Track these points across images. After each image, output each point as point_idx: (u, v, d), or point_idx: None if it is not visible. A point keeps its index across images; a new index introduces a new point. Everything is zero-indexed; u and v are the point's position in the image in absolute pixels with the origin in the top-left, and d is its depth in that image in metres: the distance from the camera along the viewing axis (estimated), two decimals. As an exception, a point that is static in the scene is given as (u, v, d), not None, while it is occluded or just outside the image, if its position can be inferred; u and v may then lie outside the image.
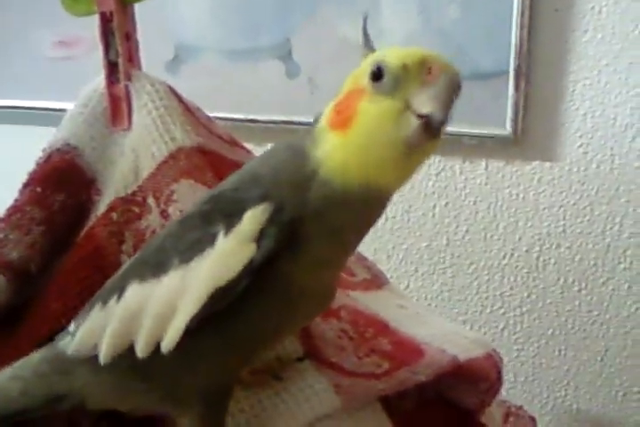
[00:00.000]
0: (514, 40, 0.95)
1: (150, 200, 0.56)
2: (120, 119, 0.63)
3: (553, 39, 0.95)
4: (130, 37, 0.65)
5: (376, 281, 0.67)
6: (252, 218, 0.40)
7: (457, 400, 0.60)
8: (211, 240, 0.40)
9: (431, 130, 0.38)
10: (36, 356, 0.49)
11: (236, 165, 0.52)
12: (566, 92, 0.96)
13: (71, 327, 0.47)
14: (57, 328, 0.50)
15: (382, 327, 0.59)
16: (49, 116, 1.06)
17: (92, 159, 0.61)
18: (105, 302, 0.45)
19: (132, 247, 0.55)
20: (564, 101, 0.96)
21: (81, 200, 0.60)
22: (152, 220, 0.56)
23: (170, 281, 0.41)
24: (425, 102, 0.37)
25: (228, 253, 0.40)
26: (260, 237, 0.40)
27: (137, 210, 0.57)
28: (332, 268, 0.45)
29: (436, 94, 0.37)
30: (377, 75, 0.39)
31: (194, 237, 0.41)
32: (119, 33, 0.63)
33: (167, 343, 0.41)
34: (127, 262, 0.47)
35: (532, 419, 0.67)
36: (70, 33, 1.09)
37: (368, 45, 0.45)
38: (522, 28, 0.94)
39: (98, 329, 0.45)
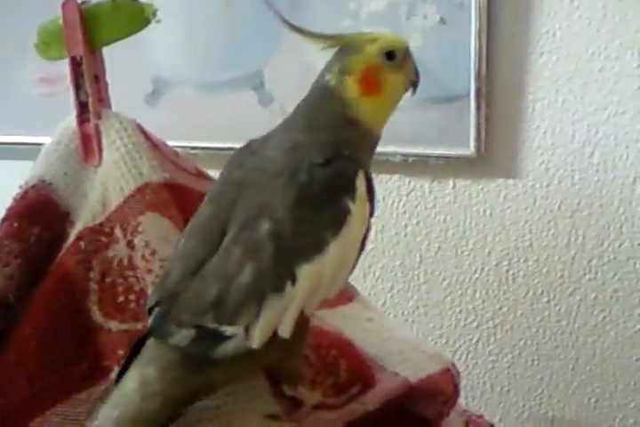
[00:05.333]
0: (473, 64, 0.99)
1: (117, 231, 0.60)
2: (91, 156, 0.67)
3: (511, 62, 0.99)
4: (99, 79, 0.69)
5: (346, 294, 0.70)
6: (360, 183, 0.53)
7: (416, 411, 0.63)
8: (346, 210, 0.51)
9: (415, 88, 0.58)
10: (148, 371, 0.50)
11: (203, 197, 0.56)
12: (526, 111, 1.00)
13: (227, 331, 0.49)
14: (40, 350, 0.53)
15: (346, 347, 0.63)
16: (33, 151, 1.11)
17: (65, 194, 0.65)
18: (278, 291, 0.49)
19: (99, 274, 0.59)
20: (524, 121, 1.00)
21: (56, 233, 0.64)
22: (119, 249, 0.60)
23: (334, 251, 0.51)
24: (411, 73, 0.57)
25: (361, 214, 0.52)
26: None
27: (104, 239, 0.61)
28: None
29: (414, 67, 0.57)
30: (390, 56, 0.55)
31: (330, 212, 0.51)
32: (88, 75, 0.68)
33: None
34: (265, 248, 0.50)
35: (492, 426, 0.71)
36: (52, 70, 1.14)
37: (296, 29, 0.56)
38: (480, 53, 0.99)
39: (279, 315, 0.49)
